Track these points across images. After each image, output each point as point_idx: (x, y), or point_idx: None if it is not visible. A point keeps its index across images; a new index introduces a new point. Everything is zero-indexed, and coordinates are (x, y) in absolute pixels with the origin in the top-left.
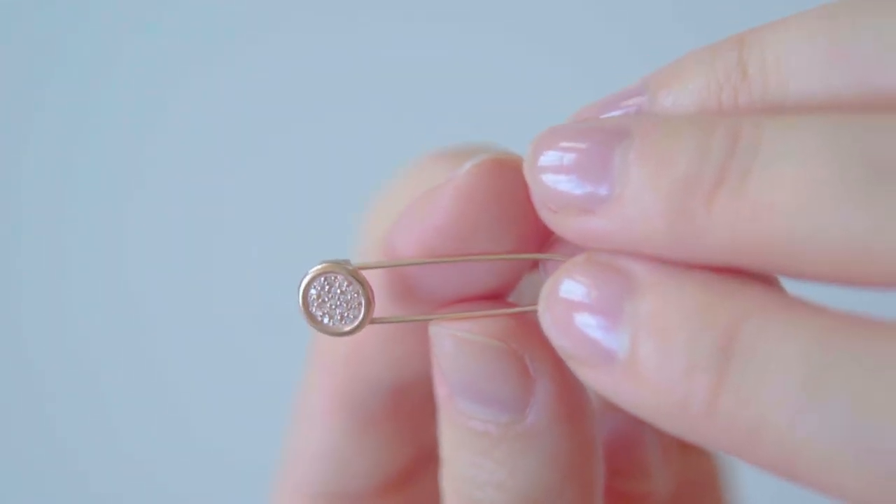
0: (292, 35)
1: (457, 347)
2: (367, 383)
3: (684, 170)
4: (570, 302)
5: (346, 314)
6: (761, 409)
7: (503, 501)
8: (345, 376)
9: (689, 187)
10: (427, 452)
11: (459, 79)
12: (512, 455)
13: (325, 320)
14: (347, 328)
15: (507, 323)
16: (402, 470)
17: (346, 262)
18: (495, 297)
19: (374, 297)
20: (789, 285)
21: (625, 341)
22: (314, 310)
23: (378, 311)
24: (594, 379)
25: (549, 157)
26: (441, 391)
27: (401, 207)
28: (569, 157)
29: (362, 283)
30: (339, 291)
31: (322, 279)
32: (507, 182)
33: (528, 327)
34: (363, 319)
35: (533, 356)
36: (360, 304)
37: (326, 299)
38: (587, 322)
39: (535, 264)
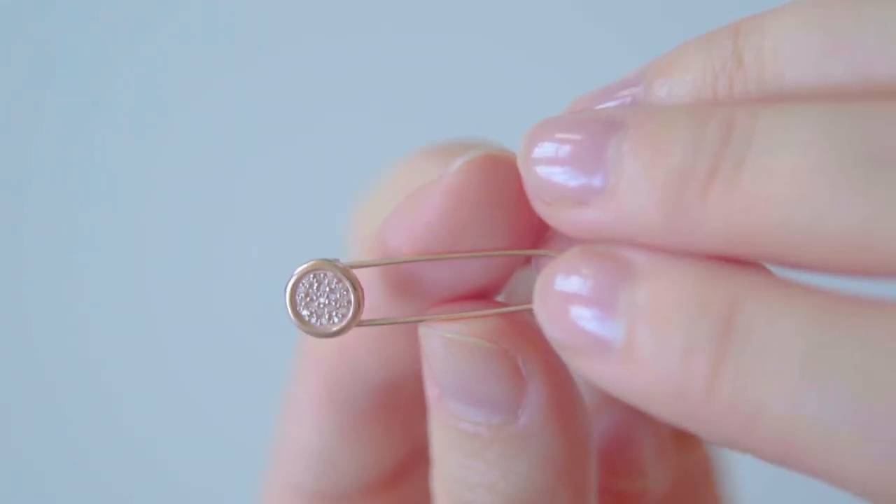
0: (286, 34)
1: (446, 349)
2: (357, 380)
3: (679, 160)
4: (565, 293)
5: (334, 313)
6: (760, 391)
7: None
8: (334, 373)
9: (684, 178)
10: (418, 451)
11: (452, 76)
12: (504, 457)
13: (313, 320)
14: (335, 328)
15: (497, 323)
16: (392, 469)
17: (336, 260)
18: (487, 293)
19: (364, 298)
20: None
21: (621, 329)
22: (301, 309)
23: (370, 305)
24: (591, 369)
25: (543, 149)
26: (431, 392)
27: (391, 204)
28: (563, 149)
29: (353, 281)
30: (328, 289)
31: (311, 276)
32: (498, 179)
33: (520, 327)
34: (351, 320)
35: (525, 357)
36: (349, 301)
37: (315, 297)
38: (583, 312)
39: (527, 260)
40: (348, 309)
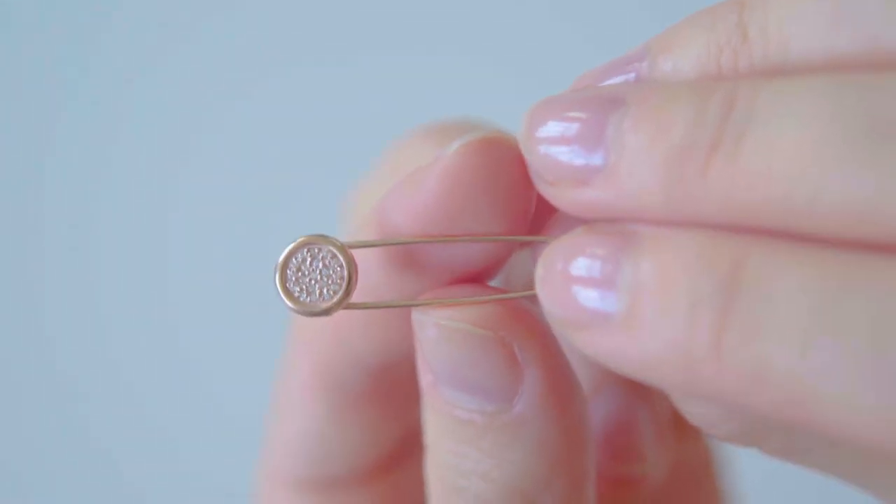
0: (283, 32)
1: (441, 336)
2: (350, 362)
3: (680, 136)
4: (568, 271)
5: (325, 290)
6: (767, 346)
7: (489, 492)
8: (326, 355)
9: (685, 154)
10: (413, 435)
11: (451, 79)
12: (498, 445)
13: (303, 296)
14: (324, 305)
15: (493, 310)
16: (386, 454)
17: (334, 238)
18: (483, 276)
19: (357, 274)
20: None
21: (625, 300)
22: (291, 285)
23: (363, 285)
24: (594, 343)
25: (544, 129)
26: (425, 379)
27: (388, 185)
28: (564, 128)
29: (347, 257)
30: (321, 265)
31: (305, 251)
32: (495, 162)
33: (517, 314)
34: (343, 296)
35: (522, 344)
36: (342, 278)
37: (306, 272)
38: (588, 289)
39: (523, 244)
40: (340, 286)
